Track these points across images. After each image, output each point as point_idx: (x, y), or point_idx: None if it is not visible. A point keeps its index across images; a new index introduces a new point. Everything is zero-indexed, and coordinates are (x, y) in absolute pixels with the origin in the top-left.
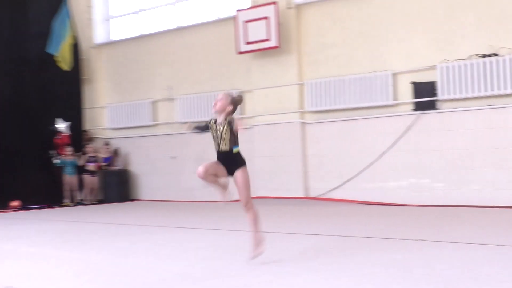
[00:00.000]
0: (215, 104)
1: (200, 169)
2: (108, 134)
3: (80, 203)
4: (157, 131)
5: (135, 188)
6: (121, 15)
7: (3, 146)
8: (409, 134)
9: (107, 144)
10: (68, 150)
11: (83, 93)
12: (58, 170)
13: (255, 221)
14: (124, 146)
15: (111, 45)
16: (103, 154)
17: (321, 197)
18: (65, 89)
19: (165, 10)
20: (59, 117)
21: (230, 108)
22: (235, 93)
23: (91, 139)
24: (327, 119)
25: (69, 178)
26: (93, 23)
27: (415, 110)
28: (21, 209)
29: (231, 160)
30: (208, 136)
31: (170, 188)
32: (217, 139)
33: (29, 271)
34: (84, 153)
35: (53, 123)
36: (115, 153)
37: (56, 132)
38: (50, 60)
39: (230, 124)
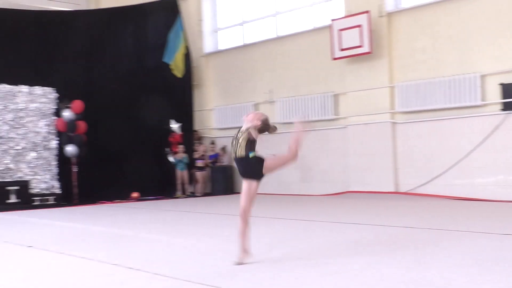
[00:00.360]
0: (248, 114)
1: (241, 211)
2: (215, 134)
3: (191, 195)
4: None
5: (239, 182)
6: (227, 27)
7: (126, 145)
8: (497, 133)
9: (213, 142)
10: (180, 148)
11: (194, 97)
12: (171, 166)
13: (244, 232)
14: (229, 145)
15: (218, 54)
16: (210, 152)
17: (410, 192)
18: (178, 94)
19: (266, 21)
20: (173, 118)
21: (258, 123)
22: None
23: (200, 138)
24: (416, 119)
25: (181, 173)
26: (203, 34)
27: (504, 110)
28: (140, 200)
29: (247, 165)
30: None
31: (269, 182)
32: (234, 145)
33: (148, 256)
34: (194, 151)
35: (168, 124)
36: (222, 150)
37: (170, 131)
38: (165, 68)
39: (250, 135)
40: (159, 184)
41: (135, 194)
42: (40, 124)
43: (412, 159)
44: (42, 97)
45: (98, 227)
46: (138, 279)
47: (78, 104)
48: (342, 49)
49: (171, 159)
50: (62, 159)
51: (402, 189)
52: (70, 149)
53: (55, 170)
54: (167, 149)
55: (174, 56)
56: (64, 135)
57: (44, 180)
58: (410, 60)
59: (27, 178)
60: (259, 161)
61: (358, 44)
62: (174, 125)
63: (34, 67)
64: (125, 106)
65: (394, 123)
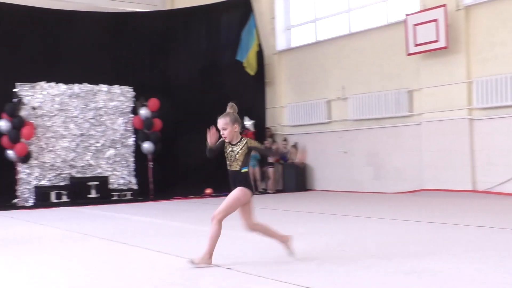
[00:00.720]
0: (224, 136)
1: (244, 228)
2: (287, 131)
3: (262, 192)
4: (331, 127)
5: (311, 179)
6: (300, 24)
7: (200, 142)
8: None
9: (285, 140)
10: None
11: (266, 95)
12: None
13: (214, 237)
14: (301, 141)
15: (291, 51)
16: (282, 149)
17: (489, 190)
18: (250, 91)
19: (339, 17)
20: (245, 115)
21: (236, 128)
22: (229, 105)
23: (272, 135)
24: (495, 115)
25: (253, 170)
26: (276, 32)
27: None
28: (213, 196)
29: (238, 179)
30: (377, 133)
31: (341, 180)
32: (230, 159)
33: (222, 251)
34: (266, 148)
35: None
36: (293, 147)
37: (243, 128)
38: (238, 66)
39: (250, 149)
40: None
41: (208, 190)
42: (118, 121)
43: (491, 157)
44: (120, 95)
45: (174, 222)
46: (212, 274)
47: (154, 102)
48: (417, 44)
49: None
50: (139, 156)
51: (480, 188)
52: (147, 146)
53: (132, 166)
54: None
55: (247, 54)
56: (141, 132)
57: (122, 176)
58: (489, 54)
59: (106, 174)
60: (244, 181)
61: (434, 39)
62: (248, 122)
63: (113, 67)
64: (199, 103)
65: (471, 119)
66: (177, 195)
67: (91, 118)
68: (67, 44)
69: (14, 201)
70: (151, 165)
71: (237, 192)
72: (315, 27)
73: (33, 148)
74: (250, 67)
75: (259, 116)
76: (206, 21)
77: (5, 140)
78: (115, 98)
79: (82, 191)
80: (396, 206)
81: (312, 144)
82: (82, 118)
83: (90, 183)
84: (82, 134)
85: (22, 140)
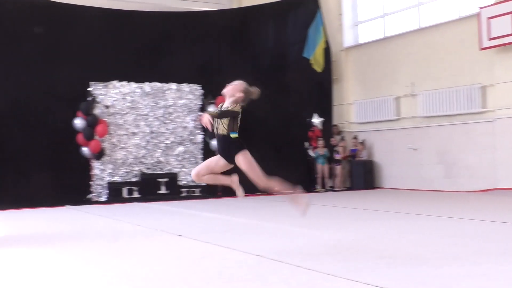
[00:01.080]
0: (226, 87)
1: (192, 172)
2: (355, 128)
3: (330, 190)
4: (400, 124)
5: (379, 177)
6: (368, 20)
7: (267, 140)
8: None
9: (354, 137)
10: (321, 142)
11: (333, 91)
12: (311, 160)
13: (281, 187)
14: (369, 139)
15: (358, 47)
16: (350, 146)
17: None
18: (317, 89)
19: (408, 12)
20: (313, 113)
21: (239, 95)
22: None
23: (339, 133)
24: None
25: (322, 167)
26: (343, 28)
27: None
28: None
29: (228, 145)
30: (448, 130)
31: (410, 178)
32: (216, 122)
33: (290, 248)
34: (333, 145)
35: (309, 118)
36: (361, 144)
37: (310, 126)
38: (305, 64)
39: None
40: (299, 178)
41: (275, 188)
42: (187, 119)
43: None
44: (189, 93)
45: (241, 218)
46: (281, 270)
47: (222, 100)
48: (491, 38)
49: (311, 153)
50: (207, 153)
51: None
52: (215, 143)
53: (200, 163)
54: (307, 143)
55: (314, 51)
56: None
57: (191, 172)
58: None
59: (175, 170)
60: (238, 146)
61: (509, 32)
62: (316, 120)
63: (182, 66)
64: (266, 101)
65: None
66: (245, 192)
67: (160, 116)
68: (138, 44)
69: (89, 196)
70: None
71: (242, 159)
72: (384, 22)
73: (106, 145)
74: (317, 64)
75: (326, 113)
76: (274, 18)
77: (80, 138)
78: (184, 96)
79: (152, 187)
80: (469, 205)
81: (380, 141)
82: (152, 116)
83: (160, 180)
84: (152, 132)
85: (96, 137)
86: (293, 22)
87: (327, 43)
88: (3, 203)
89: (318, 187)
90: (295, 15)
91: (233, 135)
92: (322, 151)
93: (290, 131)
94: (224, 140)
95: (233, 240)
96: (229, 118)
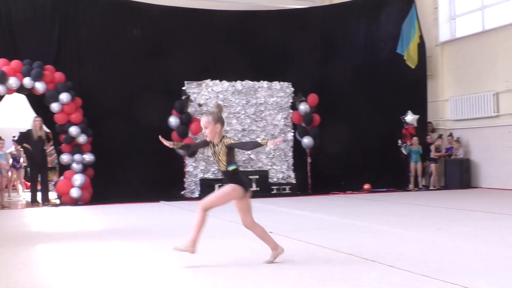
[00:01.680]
0: (205, 134)
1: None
2: (450, 125)
3: (423, 188)
4: (499, 121)
5: (475, 176)
6: (465, 13)
7: (358, 137)
8: None
9: (450, 135)
10: (415, 140)
11: (428, 88)
12: (404, 158)
13: (198, 225)
14: (464, 136)
15: (455, 42)
16: (446, 144)
17: None
18: (411, 85)
19: (508, 4)
20: (406, 110)
21: (218, 127)
22: (215, 104)
23: (434, 130)
24: None
25: (415, 166)
26: (438, 22)
27: None
28: (372, 192)
29: (228, 178)
30: None
31: (510, 178)
32: (216, 160)
33: (382, 247)
34: (428, 143)
35: (403, 116)
36: (457, 142)
37: (403, 123)
38: (398, 60)
39: (229, 148)
40: (391, 176)
41: (366, 186)
42: (278, 117)
43: None
44: (280, 91)
45: (332, 216)
46: (373, 270)
47: (313, 97)
48: None
49: (404, 151)
50: (297, 151)
51: None
52: (306, 141)
53: (291, 161)
54: (400, 141)
55: (408, 46)
56: (300, 127)
57: (281, 170)
58: None
59: (266, 168)
60: (235, 179)
61: None
62: (410, 117)
63: (273, 64)
64: (358, 99)
65: None
66: (335, 190)
67: (252, 114)
68: (229, 43)
69: (182, 192)
70: (309, 160)
71: (227, 187)
72: (482, 15)
73: None
74: (411, 60)
75: (420, 110)
76: (365, 14)
77: (174, 135)
78: (275, 94)
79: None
80: None
81: (477, 139)
82: (243, 114)
83: (251, 177)
84: (243, 130)
85: (190, 135)
86: (386, 18)
87: (421, 38)
88: (103, 198)
89: (411, 186)
90: (388, 10)
91: (230, 168)
92: (415, 148)
93: (383, 128)
94: (225, 174)
95: (324, 238)
96: (226, 154)
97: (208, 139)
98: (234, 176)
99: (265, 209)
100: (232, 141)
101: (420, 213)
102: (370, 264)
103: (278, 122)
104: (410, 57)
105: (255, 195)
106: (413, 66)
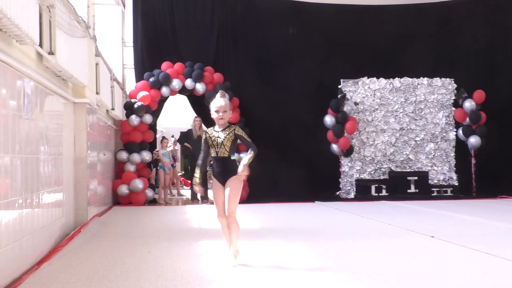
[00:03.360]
0: (221, 117)
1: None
2: None
3: None
4: None
5: None
6: None
7: None
8: None
9: None
10: None
11: None
12: None
13: (238, 232)
14: None
15: None
16: None
17: None
18: None
19: None
20: None
21: (230, 114)
22: (221, 92)
23: None
24: None
25: None
26: None
27: None
28: None
29: (228, 167)
30: None
31: None
32: (215, 146)
33: None
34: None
35: None
36: None
37: None
38: None
39: (236, 137)
40: None
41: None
42: (439, 115)
43: None
44: (441, 88)
45: (502, 222)
46: None
47: (480, 94)
48: None
49: None
50: (460, 151)
51: None
52: (473, 140)
53: (452, 161)
54: None
55: None
56: (465, 126)
57: (442, 171)
58: None
59: (425, 169)
60: (236, 170)
61: None
62: None
63: (434, 59)
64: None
65: None
66: (503, 194)
67: (411, 112)
68: (385, 39)
69: (337, 193)
70: (473, 161)
71: (235, 183)
72: None
73: (355, 142)
74: None
75: None
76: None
77: (330, 135)
78: (436, 91)
79: (401, 185)
80: None
81: None
82: (402, 112)
83: (409, 178)
84: (401, 129)
85: (346, 134)
86: None
87: None
88: (259, 197)
89: None
90: None
91: (233, 157)
92: None
93: None
94: (224, 161)
95: (492, 245)
96: (231, 142)
97: (221, 123)
98: (234, 166)
99: (425, 212)
100: (244, 134)
101: None
102: None
103: (439, 120)
104: None
105: (413, 197)
106: None
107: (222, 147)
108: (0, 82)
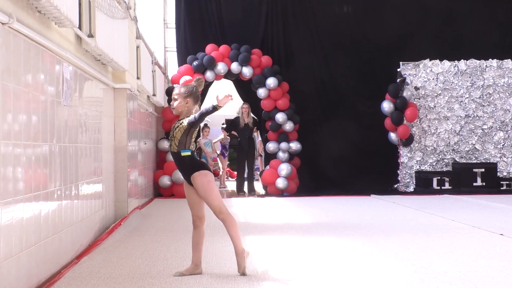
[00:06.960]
0: (172, 106)
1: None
2: None
3: None
4: None
5: None
6: None
7: None
8: None
9: None
10: None
11: None
12: None
13: (236, 228)
14: None
15: None
16: None
17: None
18: None
19: None
20: None
21: (189, 103)
22: (196, 78)
23: None
24: None
25: None
26: None
27: None
28: None
29: (183, 164)
30: None
31: None
32: (170, 137)
33: None
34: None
35: None
36: None
37: None
38: None
39: (190, 126)
40: None
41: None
42: (510, 101)
43: None
44: None
45: None
46: None
47: None
48: None
49: None
50: None
51: None
52: None
53: None
54: None
55: None
56: None
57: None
58: None
59: (494, 160)
60: (196, 166)
61: None
62: None
63: (504, 39)
64: None
65: None
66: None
67: (478, 98)
68: (449, 16)
69: (395, 186)
70: None
71: (198, 179)
72: None
73: (415, 130)
74: None
75: None
76: None
77: (388, 122)
78: (506, 74)
79: (466, 178)
80: None
81: None
82: (467, 97)
83: (475, 170)
84: (467, 116)
85: (405, 122)
86: None
87: None
88: (310, 189)
89: None
90: None
91: (184, 153)
92: None
93: None
94: (176, 157)
95: None
96: (182, 132)
97: (174, 113)
98: (190, 162)
99: (492, 208)
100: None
101: None
102: None
103: (510, 106)
104: None
105: (479, 191)
106: None
107: (173, 139)
108: (39, 67)
